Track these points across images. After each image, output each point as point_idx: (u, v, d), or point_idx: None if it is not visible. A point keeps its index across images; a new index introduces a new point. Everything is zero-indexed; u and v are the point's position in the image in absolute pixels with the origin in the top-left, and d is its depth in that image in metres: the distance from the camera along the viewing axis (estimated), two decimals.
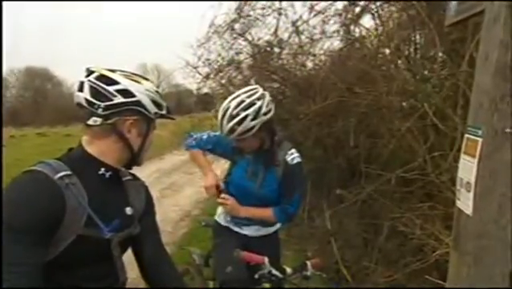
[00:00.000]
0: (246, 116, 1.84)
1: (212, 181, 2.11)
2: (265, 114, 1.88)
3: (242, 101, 1.87)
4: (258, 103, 1.87)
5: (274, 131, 2.01)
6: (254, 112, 1.85)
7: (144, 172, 1.33)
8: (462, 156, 1.14)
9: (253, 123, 1.86)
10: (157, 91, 1.24)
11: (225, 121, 1.87)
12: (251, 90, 1.94)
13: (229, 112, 1.86)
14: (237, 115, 1.85)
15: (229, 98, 1.92)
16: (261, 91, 1.94)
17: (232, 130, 1.86)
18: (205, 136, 2.23)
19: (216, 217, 2.30)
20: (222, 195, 2.08)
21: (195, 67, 4.98)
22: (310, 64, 4.50)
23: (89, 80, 1.14)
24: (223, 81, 5.10)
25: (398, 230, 2.86)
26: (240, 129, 1.85)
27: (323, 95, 3.86)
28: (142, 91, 1.18)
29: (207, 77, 5.00)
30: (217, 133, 2.12)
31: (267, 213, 2.06)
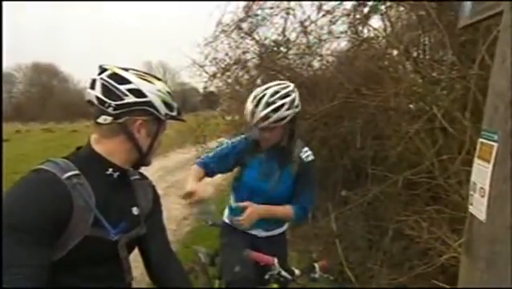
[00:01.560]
0: (283, 105, 1.87)
1: (190, 189, 1.92)
2: (296, 106, 1.92)
3: (278, 91, 1.89)
4: (293, 95, 1.92)
5: (294, 127, 2.02)
6: (290, 102, 1.88)
7: (148, 170, 1.33)
8: (476, 160, 1.12)
9: (288, 113, 1.88)
10: (169, 92, 1.21)
11: (259, 108, 1.87)
12: (283, 83, 1.98)
13: (264, 99, 1.87)
14: (274, 102, 1.86)
15: (262, 88, 1.94)
16: (292, 85, 1.98)
17: (266, 117, 1.86)
18: (211, 154, 2.16)
19: (224, 218, 2.27)
20: (247, 210, 1.92)
21: (202, 66, 4.98)
22: (316, 64, 4.49)
23: (101, 78, 1.13)
24: (229, 80, 5.09)
25: (403, 233, 2.84)
26: (275, 117, 1.86)
27: (329, 96, 3.84)
28: (154, 92, 1.15)
29: (214, 76, 5.00)
30: (225, 144, 2.12)
31: (287, 211, 2.03)
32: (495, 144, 1.02)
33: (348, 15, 3.79)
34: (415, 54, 3.44)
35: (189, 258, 2.83)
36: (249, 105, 1.91)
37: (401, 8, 3.56)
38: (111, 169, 1.16)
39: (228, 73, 4.90)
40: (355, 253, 3.49)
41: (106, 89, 1.11)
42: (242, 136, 2.14)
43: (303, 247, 3.91)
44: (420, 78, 3.24)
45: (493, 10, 1.07)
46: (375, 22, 3.76)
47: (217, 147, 2.17)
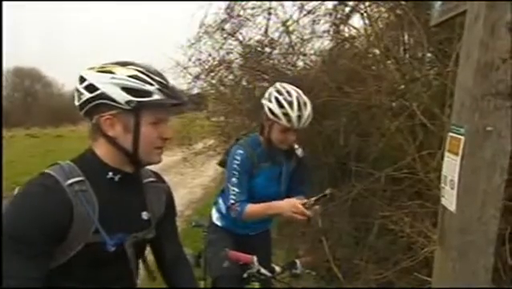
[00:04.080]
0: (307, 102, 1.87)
1: (293, 203, 1.84)
2: None
3: (297, 90, 1.88)
4: None
5: None
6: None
7: None
8: (446, 154, 1.16)
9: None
10: (135, 76, 1.05)
11: (305, 111, 1.84)
12: (281, 85, 1.95)
13: (301, 101, 1.83)
14: (305, 102, 1.85)
15: (282, 90, 1.87)
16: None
17: (301, 117, 1.83)
18: (237, 189, 1.94)
19: (214, 220, 2.24)
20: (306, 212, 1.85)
21: (185, 68, 4.97)
22: (300, 64, 4.52)
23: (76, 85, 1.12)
24: (214, 81, 5.10)
25: (388, 228, 2.89)
26: (308, 115, 1.85)
27: (313, 95, 3.88)
28: (106, 81, 1.04)
29: (197, 77, 4.99)
30: (237, 171, 1.94)
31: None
32: (462, 138, 1.06)
33: (330, 15, 3.84)
34: (395, 52, 3.50)
35: None
36: (291, 111, 1.81)
37: (381, 8, 3.62)
38: (111, 173, 1.11)
39: (212, 74, 4.90)
40: (341, 249, 3.54)
41: (76, 93, 1.10)
42: (241, 152, 1.97)
43: (290, 245, 3.95)
44: (400, 76, 3.30)
45: (458, 9, 1.11)
46: (357, 21, 3.82)
47: (231, 177, 1.95)
